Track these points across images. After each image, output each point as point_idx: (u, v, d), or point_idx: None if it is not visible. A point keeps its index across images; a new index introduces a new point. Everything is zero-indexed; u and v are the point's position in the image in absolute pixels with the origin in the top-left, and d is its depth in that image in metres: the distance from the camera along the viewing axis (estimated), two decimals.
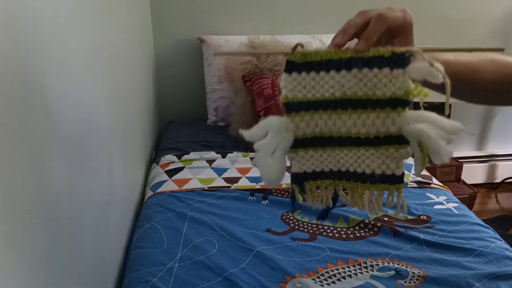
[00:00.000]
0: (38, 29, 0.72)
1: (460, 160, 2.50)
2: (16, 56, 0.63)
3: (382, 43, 0.58)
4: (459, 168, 2.41)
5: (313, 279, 1.08)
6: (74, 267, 0.85)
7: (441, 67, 0.53)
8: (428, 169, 2.23)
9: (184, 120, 2.31)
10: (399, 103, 0.56)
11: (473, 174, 2.72)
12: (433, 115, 0.55)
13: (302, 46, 0.59)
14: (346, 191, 0.66)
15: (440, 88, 0.56)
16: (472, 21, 2.48)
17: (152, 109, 2.13)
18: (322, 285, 1.06)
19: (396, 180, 0.61)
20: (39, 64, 0.72)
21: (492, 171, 2.76)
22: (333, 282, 1.07)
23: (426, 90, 0.56)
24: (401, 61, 0.55)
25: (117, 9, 1.36)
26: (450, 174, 2.41)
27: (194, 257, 1.15)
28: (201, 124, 2.20)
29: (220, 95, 2.15)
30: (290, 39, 2.16)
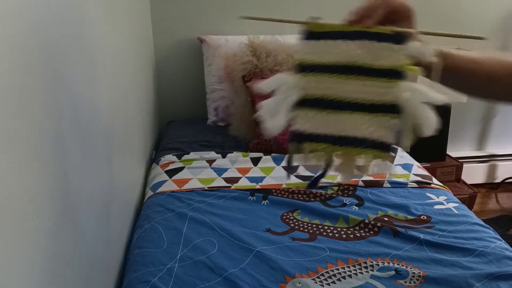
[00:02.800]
0: (38, 29, 0.72)
1: (460, 160, 2.50)
2: (16, 57, 0.63)
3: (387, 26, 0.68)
4: (459, 168, 2.41)
5: (313, 279, 1.08)
6: (74, 267, 0.85)
7: (431, 49, 0.63)
8: (428, 169, 2.23)
9: (184, 120, 2.31)
10: (395, 74, 0.65)
11: (473, 174, 2.72)
12: (423, 87, 0.62)
13: (318, 18, 0.71)
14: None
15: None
16: (472, 21, 2.48)
17: (152, 109, 2.13)
18: (322, 285, 1.06)
19: (386, 147, 0.66)
20: (39, 65, 0.72)
21: (492, 171, 2.76)
22: (333, 282, 1.07)
23: (417, 67, 0.64)
24: (399, 39, 0.65)
25: (117, 9, 1.36)
26: (450, 174, 2.41)
27: (194, 257, 1.15)
28: (201, 124, 2.20)
29: (220, 95, 2.15)
30: (290, 39, 2.16)
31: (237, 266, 1.12)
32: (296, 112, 0.70)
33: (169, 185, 1.55)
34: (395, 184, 1.58)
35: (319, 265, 1.13)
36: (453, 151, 2.72)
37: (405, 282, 1.07)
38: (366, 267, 1.13)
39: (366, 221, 1.33)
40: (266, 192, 1.51)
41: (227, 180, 1.59)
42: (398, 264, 1.14)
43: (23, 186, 0.63)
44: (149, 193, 1.53)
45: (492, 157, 2.76)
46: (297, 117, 0.71)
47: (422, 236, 1.25)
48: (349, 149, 0.68)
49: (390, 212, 1.40)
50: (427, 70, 0.65)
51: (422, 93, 0.62)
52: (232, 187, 1.54)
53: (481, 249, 1.19)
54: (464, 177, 2.53)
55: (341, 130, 0.68)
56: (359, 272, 1.11)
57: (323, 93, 0.69)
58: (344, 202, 1.46)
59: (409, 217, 1.38)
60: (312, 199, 1.47)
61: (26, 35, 0.67)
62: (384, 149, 0.66)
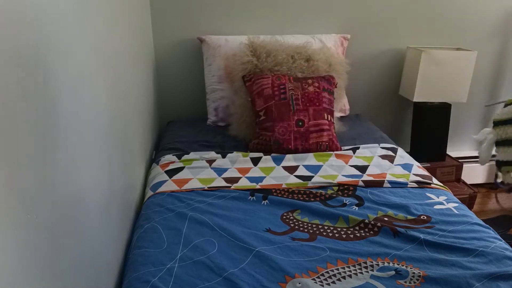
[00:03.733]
0: (39, 29, 0.72)
1: (460, 160, 2.50)
2: (17, 56, 0.63)
3: None
4: (459, 168, 2.41)
5: (313, 279, 1.08)
6: (74, 267, 0.85)
7: None
8: (428, 169, 2.23)
9: (184, 120, 2.31)
10: None
11: (473, 174, 2.72)
12: None
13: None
14: None
15: None
16: (472, 21, 2.48)
17: (152, 109, 2.13)
18: (322, 285, 1.06)
19: None
20: (40, 65, 0.72)
21: (492, 171, 2.76)
22: (333, 282, 1.07)
23: None
24: None
25: (117, 9, 1.36)
26: (450, 174, 2.41)
27: (194, 257, 1.15)
28: (201, 124, 2.20)
29: (220, 95, 2.15)
30: (290, 39, 2.16)
31: (237, 266, 1.12)
32: (498, 148, 1.38)
33: (169, 185, 1.55)
34: (395, 184, 1.58)
35: (319, 265, 1.13)
36: (453, 151, 2.72)
37: (405, 282, 1.07)
38: (366, 267, 1.13)
39: (366, 221, 1.33)
40: (266, 192, 1.51)
41: (227, 180, 1.59)
42: (398, 264, 1.14)
43: (23, 186, 0.63)
44: (149, 193, 1.53)
45: (492, 157, 2.76)
46: (498, 152, 1.41)
47: (422, 236, 1.25)
48: None
49: (390, 212, 1.41)
50: None
51: None
52: (232, 187, 1.54)
53: (481, 249, 1.19)
54: (464, 177, 2.52)
55: None
56: (359, 272, 1.11)
57: (511, 135, 1.20)
58: (344, 202, 1.46)
59: (409, 217, 1.38)
60: (312, 199, 1.48)
61: (25, 35, 0.67)
62: None
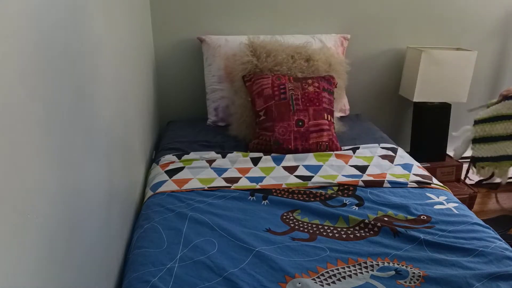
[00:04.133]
0: (38, 30, 0.72)
1: (460, 160, 2.50)
2: (17, 57, 0.63)
3: None
4: (459, 168, 2.41)
5: (313, 279, 1.08)
6: (74, 267, 0.85)
7: None
8: (428, 169, 2.23)
9: (184, 120, 2.31)
10: None
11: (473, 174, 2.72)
12: None
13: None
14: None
15: None
16: (472, 21, 2.48)
17: (152, 109, 2.13)
18: (322, 285, 1.06)
19: None
20: (39, 65, 0.72)
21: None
22: (333, 282, 1.07)
23: None
24: None
25: (117, 9, 1.36)
26: (450, 174, 2.41)
27: (194, 257, 1.15)
28: (201, 124, 2.20)
29: (220, 95, 2.15)
30: (290, 39, 2.16)
31: (237, 266, 1.12)
32: (472, 145, 1.62)
33: (169, 185, 1.55)
34: (395, 184, 1.58)
35: (319, 265, 1.13)
36: (453, 151, 2.72)
37: (405, 282, 1.07)
38: (366, 267, 1.13)
39: (366, 221, 1.33)
40: (266, 192, 1.51)
41: (227, 180, 1.59)
42: (398, 264, 1.14)
43: (23, 186, 0.63)
44: (149, 193, 1.53)
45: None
46: (473, 149, 1.64)
47: (422, 236, 1.25)
48: (506, 163, 1.31)
49: (390, 212, 1.41)
50: None
51: None
52: (232, 187, 1.54)
53: (481, 249, 1.19)
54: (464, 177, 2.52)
55: (501, 151, 1.28)
56: (359, 272, 1.11)
57: (489, 133, 1.43)
58: (344, 202, 1.46)
59: (409, 217, 1.38)
60: (312, 199, 1.47)
61: (27, 37, 0.67)
62: None
